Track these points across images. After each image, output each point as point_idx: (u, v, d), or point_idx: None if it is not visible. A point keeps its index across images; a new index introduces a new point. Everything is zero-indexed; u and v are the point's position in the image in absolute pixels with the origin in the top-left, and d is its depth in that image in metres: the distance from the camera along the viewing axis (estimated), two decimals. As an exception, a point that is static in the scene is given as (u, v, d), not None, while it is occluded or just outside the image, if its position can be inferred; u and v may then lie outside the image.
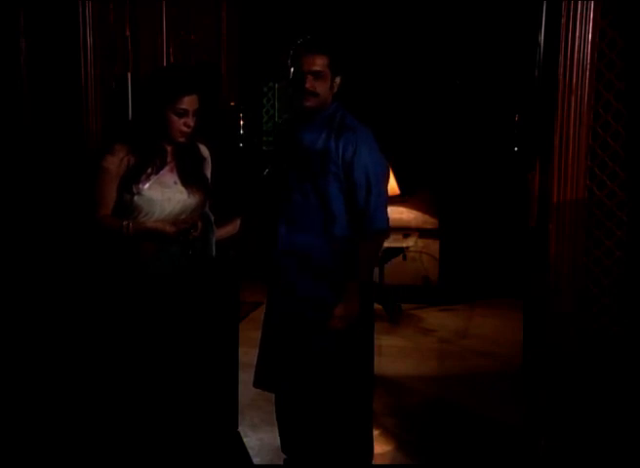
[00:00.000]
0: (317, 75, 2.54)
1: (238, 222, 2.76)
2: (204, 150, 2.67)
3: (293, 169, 2.65)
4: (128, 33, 2.69)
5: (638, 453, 2.46)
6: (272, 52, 6.43)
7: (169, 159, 2.55)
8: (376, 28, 5.77)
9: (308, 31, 2.75)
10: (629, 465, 2.48)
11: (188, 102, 2.45)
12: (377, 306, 3.86)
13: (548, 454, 2.55)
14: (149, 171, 2.49)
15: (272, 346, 2.74)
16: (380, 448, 3.11)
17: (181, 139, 2.50)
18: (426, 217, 5.85)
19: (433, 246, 5.89)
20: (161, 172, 2.53)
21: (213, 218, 2.66)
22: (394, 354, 4.42)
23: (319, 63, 2.54)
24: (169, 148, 2.54)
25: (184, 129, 2.47)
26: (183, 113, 2.45)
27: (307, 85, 2.54)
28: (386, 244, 4.32)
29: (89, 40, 2.58)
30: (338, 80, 2.61)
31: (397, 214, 5.53)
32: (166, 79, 2.52)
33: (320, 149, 2.58)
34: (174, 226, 2.48)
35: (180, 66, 2.77)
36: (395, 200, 5.18)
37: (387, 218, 2.65)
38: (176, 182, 2.54)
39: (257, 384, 2.82)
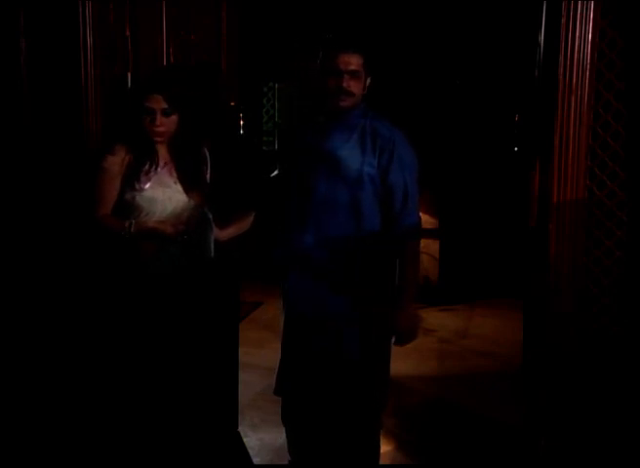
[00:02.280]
0: (353, 75, 2.52)
1: (250, 219, 2.74)
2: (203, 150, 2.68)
3: (317, 170, 2.59)
4: (128, 33, 2.69)
5: (638, 453, 2.46)
6: (272, 52, 6.44)
7: (167, 159, 2.56)
8: (375, 29, 5.77)
9: (308, 32, 2.75)
10: (629, 465, 2.48)
11: (152, 101, 2.46)
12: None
13: (548, 454, 2.55)
14: (146, 169, 2.51)
15: (285, 350, 2.73)
16: (381, 447, 3.11)
17: (158, 139, 2.52)
18: (426, 217, 5.84)
19: (433, 246, 5.89)
20: (161, 171, 2.54)
21: (211, 218, 2.66)
22: (394, 354, 4.39)
23: (355, 63, 2.52)
24: (160, 148, 2.55)
25: (153, 128, 2.49)
26: (151, 112, 2.47)
27: (345, 84, 2.51)
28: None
29: (89, 40, 2.58)
30: (368, 80, 2.60)
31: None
32: (135, 79, 2.62)
33: (353, 150, 2.55)
34: (173, 227, 2.49)
35: (149, 67, 2.76)
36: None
37: (420, 216, 2.65)
38: (175, 182, 2.56)
39: (277, 392, 2.78)
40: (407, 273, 2.58)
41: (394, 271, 2.65)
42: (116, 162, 2.49)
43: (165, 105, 2.46)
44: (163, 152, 2.57)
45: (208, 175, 2.68)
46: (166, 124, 2.49)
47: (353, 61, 2.52)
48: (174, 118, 2.50)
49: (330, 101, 2.56)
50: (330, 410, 2.66)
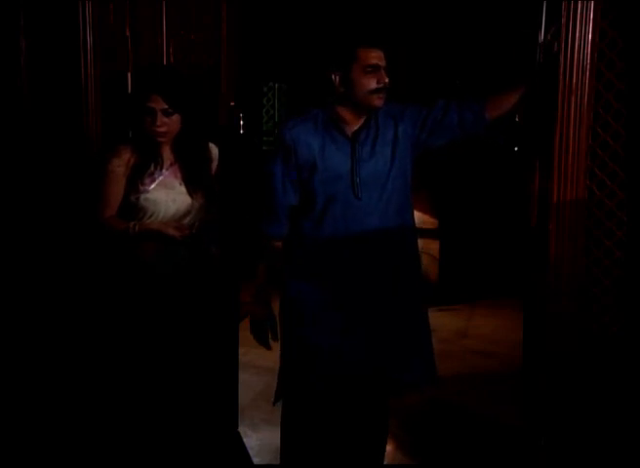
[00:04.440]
0: (386, 70, 2.46)
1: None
2: (213, 149, 2.67)
3: (349, 172, 2.47)
4: (128, 33, 2.69)
5: (638, 453, 2.46)
6: (272, 52, 6.44)
7: (172, 160, 2.56)
8: (375, 28, 5.76)
9: (307, 32, 2.73)
10: (629, 465, 2.48)
11: (152, 102, 2.46)
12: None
13: (548, 454, 2.55)
14: (151, 170, 2.50)
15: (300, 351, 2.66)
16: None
17: (160, 139, 2.52)
18: (426, 217, 5.85)
19: (433, 246, 5.88)
20: (166, 173, 2.54)
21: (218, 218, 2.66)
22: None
23: (385, 57, 2.46)
24: (165, 149, 2.55)
25: (154, 128, 2.48)
26: (151, 112, 2.47)
27: (387, 80, 2.45)
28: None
29: (89, 40, 2.58)
30: None
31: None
32: (135, 80, 2.62)
33: (385, 146, 2.50)
34: (176, 229, 2.49)
35: (148, 67, 2.74)
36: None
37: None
38: (180, 184, 2.56)
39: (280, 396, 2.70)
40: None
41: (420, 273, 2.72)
42: (121, 164, 2.50)
43: (165, 105, 2.46)
44: (168, 153, 2.56)
45: (214, 171, 2.66)
46: (167, 124, 2.48)
47: (383, 56, 2.46)
48: (175, 118, 2.49)
49: (370, 100, 2.45)
50: (346, 413, 2.63)
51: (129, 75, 2.69)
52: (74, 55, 2.58)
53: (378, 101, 2.46)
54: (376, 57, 2.43)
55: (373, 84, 2.44)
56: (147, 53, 2.74)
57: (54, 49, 2.60)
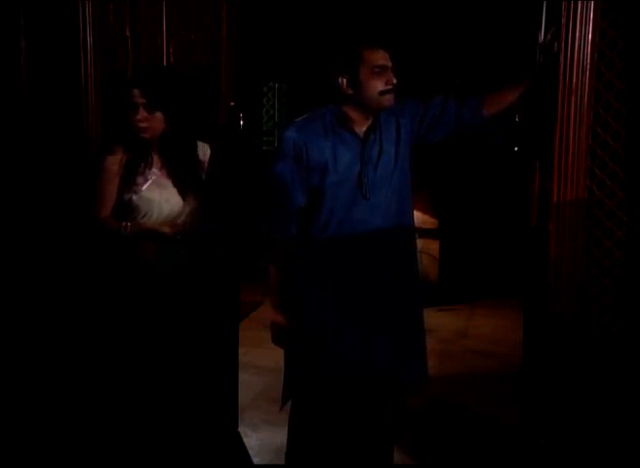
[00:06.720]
0: (393, 71, 2.46)
1: None
2: (204, 149, 2.66)
3: (359, 175, 2.45)
4: (128, 33, 2.69)
5: (638, 454, 2.46)
6: (272, 52, 6.44)
7: (163, 161, 2.55)
8: (375, 28, 5.77)
9: (307, 31, 2.72)
10: (629, 465, 2.48)
11: (133, 96, 2.45)
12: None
13: (548, 454, 2.55)
14: (141, 170, 2.50)
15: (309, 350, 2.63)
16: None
17: (143, 135, 2.50)
18: (426, 217, 5.85)
19: (433, 246, 5.89)
20: (158, 173, 2.54)
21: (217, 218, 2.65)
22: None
23: (391, 59, 2.46)
24: (154, 148, 2.54)
25: (135, 122, 2.47)
26: (133, 105, 2.45)
27: (395, 81, 2.44)
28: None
29: (89, 40, 2.58)
30: None
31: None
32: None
33: (389, 145, 2.49)
34: (170, 229, 2.49)
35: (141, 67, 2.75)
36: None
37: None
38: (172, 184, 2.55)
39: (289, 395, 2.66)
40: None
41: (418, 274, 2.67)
42: (115, 162, 2.50)
43: (144, 100, 2.45)
44: (158, 154, 2.56)
45: (204, 172, 2.64)
46: (149, 120, 2.46)
47: (389, 57, 2.45)
48: (158, 116, 2.47)
49: (380, 101, 2.43)
50: (351, 414, 2.62)
51: (129, 75, 2.69)
52: (74, 55, 2.58)
53: (387, 102, 2.45)
54: (382, 57, 2.43)
55: (381, 85, 2.42)
56: (147, 53, 2.74)
57: (54, 49, 2.60)
